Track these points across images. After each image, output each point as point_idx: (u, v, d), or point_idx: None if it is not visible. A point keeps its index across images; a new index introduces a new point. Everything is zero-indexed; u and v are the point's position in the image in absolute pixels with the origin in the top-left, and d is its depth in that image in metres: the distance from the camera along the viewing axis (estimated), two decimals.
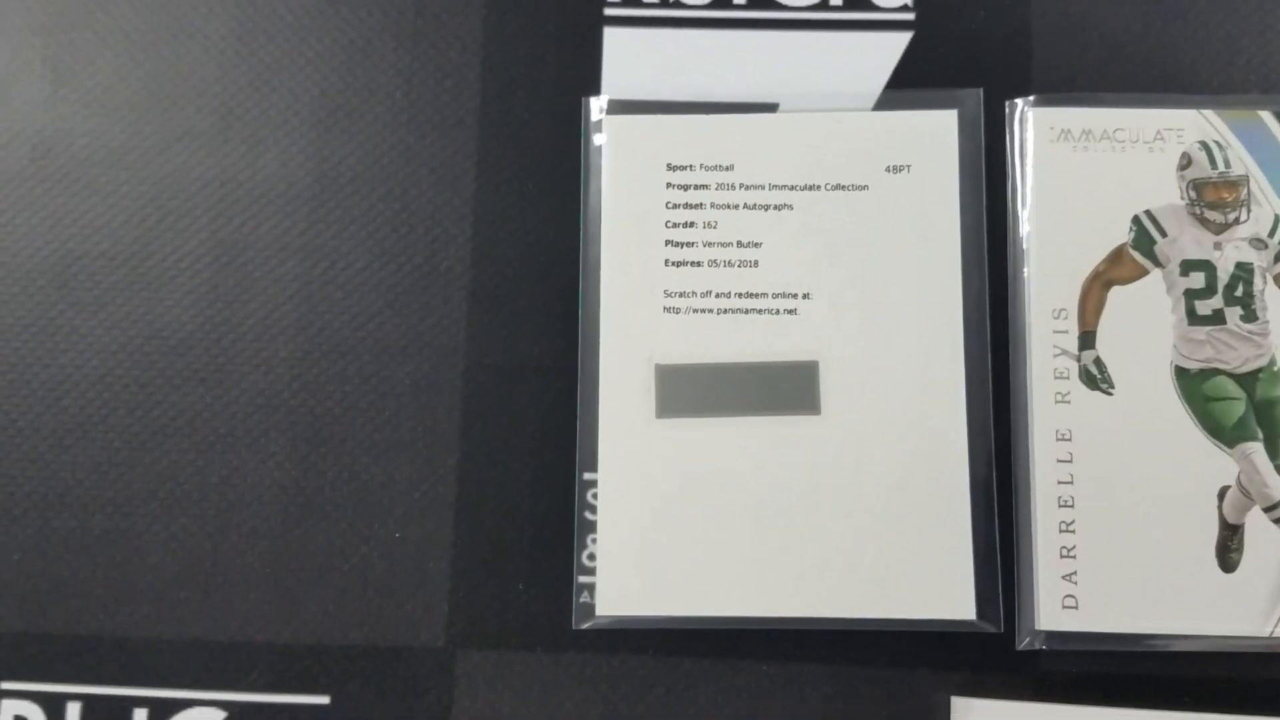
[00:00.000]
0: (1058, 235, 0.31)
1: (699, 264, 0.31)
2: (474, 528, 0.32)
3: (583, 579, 0.31)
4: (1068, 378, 0.30)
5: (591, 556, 0.30)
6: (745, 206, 0.32)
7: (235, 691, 0.31)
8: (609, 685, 0.31)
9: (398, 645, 0.31)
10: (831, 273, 0.31)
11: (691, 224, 0.32)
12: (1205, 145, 0.31)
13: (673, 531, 0.30)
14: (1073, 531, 0.30)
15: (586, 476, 0.31)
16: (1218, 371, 0.30)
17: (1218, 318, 0.30)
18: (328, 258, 0.33)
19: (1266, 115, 0.31)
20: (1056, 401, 0.30)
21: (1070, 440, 0.30)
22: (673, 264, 0.31)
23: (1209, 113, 0.32)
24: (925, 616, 0.30)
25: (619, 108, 0.33)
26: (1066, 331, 0.31)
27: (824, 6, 0.34)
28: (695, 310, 0.31)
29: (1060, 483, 0.30)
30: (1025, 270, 0.31)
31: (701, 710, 0.30)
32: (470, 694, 0.31)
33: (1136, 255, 0.31)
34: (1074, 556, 0.30)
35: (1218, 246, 0.31)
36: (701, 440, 0.30)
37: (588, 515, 0.31)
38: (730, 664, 0.31)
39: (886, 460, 0.30)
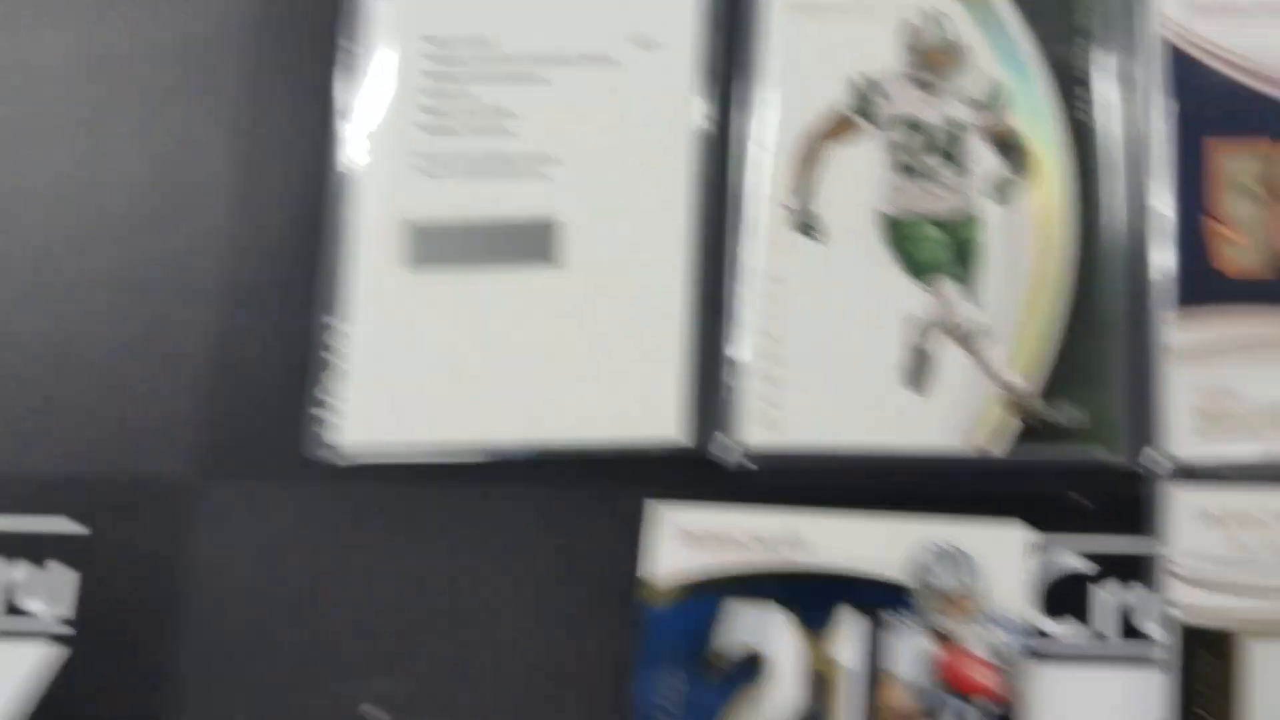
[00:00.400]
0: (785, 97, 0.34)
1: (453, 131, 0.36)
2: (226, 360, 0.35)
3: (322, 413, 0.34)
4: (780, 237, 0.34)
5: (331, 393, 0.34)
6: (501, 79, 0.36)
7: None
8: (343, 514, 0.34)
9: (145, 474, 0.35)
10: (579, 142, 0.35)
11: (445, 94, 0.36)
12: (927, 14, 0.34)
13: (416, 371, 0.34)
14: (780, 363, 0.33)
15: (335, 323, 0.34)
16: (921, 217, 0.33)
17: (928, 171, 0.33)
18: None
19: None
20: (770, 246, 0.33)
21: (783, 282, 0.33)
22: (425, 129, 0.36)
23: None
24: (632, 435, 0.33)
25: None
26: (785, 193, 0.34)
27: None
28: (447, 174, 0.35)
29: (770, 317, 0.33)
30: (752, 128, 0.35)
31: (436, 536, 0.34)
32: (215, 524, 0.34)
33: (854, 116, 0.34)
34: (778, 382, 0.33)
35: (934, 107, 0.34)
36: (447, 291, 0.34)
37: (332, 357, 0.34)
38: (463, 492, 0.34)
39: (613, 306, 0.34)
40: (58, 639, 0.34)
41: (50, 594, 0.34)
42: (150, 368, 0.36)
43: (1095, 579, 0.31)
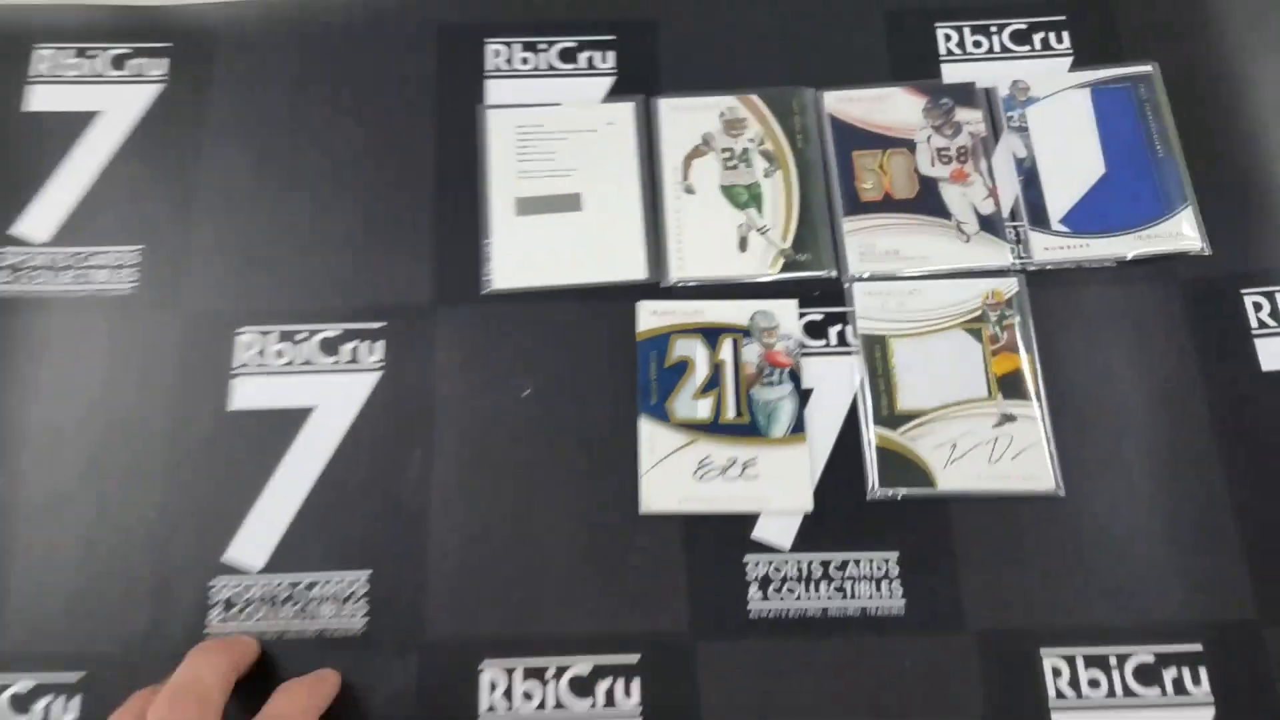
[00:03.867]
0: (674, 141, 0.79)
1: (533, 170, 0.79)
2: (442, 240, 0.77)
3: (487, 273, 0.76)
4: (680, 196, 0.77)
5: (488, 267, 0.75)
6: (554, 138, 0.80)
7: None
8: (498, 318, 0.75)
9: (400, 304, 0.75)
10: (590, 166, 0.79)
11: (529, 150, 0.80)
12: (730, 109, 0.80)
13: (521, 257, 0.76)
14: (683, 247, 0.76)
15: (489, 239, 0.76)
16: (736, 184, 0.77)
17: (737, 166, 0.78)
18: None
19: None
20: (674, 200, 0.77)
21: (681, 214, 0.77)
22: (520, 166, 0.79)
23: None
24: (626, 276, 0.76)
25: None
26: (680, 179, 0.78)
27: None
28: (533, 179, 0.78)
29: (677, 227, 0.77)
30: (664, 154, 0.79)
31: (539, 330, 0.75)
32: (446, 327, 0.75)
33: (703, 146, 0.79)
34: (684, 254, 0.76)
35: (737, 141, 0.79)
36: (535, 224, 0.77)
37: (488, 250, 0.76)
38: (550, 307, 0.76)
39: (607, 226, 0.77)
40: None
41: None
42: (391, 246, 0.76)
43: (825, 323, 0.74)
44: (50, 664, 0.61)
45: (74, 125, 0.75)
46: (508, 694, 0.61)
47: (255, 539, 0.64)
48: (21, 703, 0.60)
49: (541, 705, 0.61)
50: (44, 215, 0.72)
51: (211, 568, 0.64)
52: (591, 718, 0.61)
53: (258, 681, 0.60)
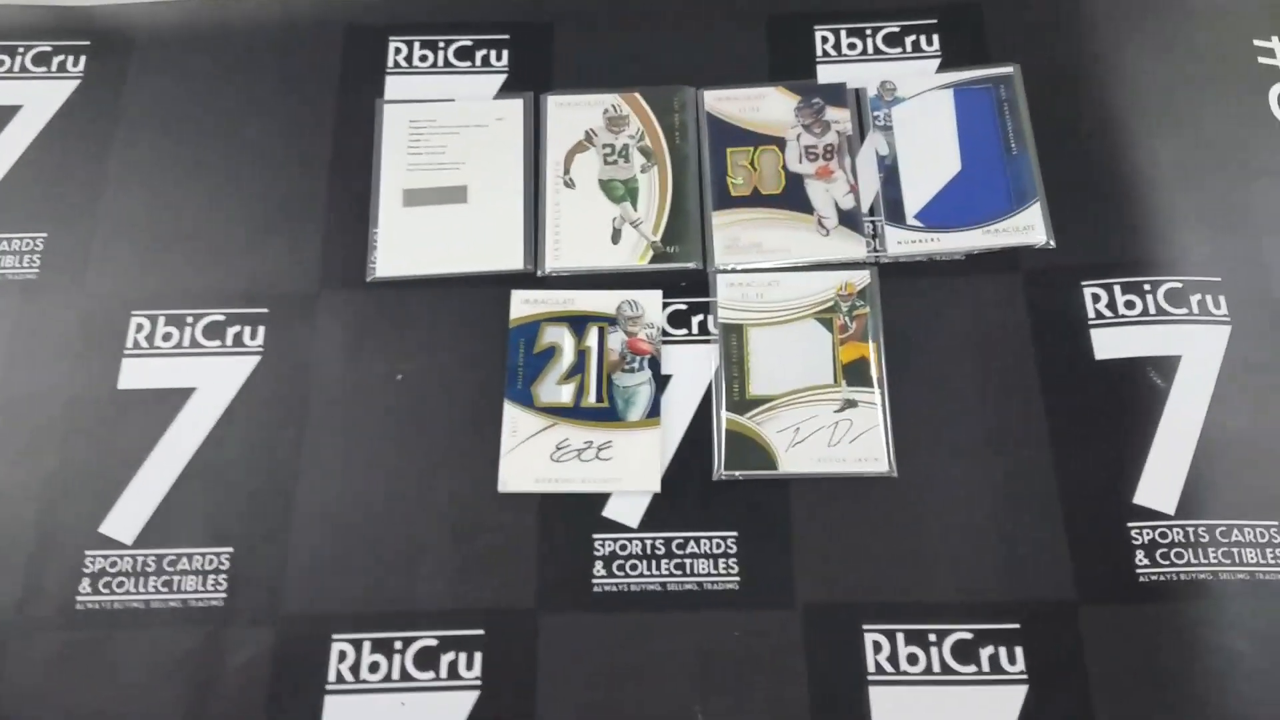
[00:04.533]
0: (557, 138, 0.83)
1: (423, 164, 0.83)
2: (331, 234, 0.81)
3: (372, 261, 0.80)
4: (559, 190, 0.81)
5: (375, 256, 0.80)
6: (447, 133, 0.84)
7: None
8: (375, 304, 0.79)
9: (282, 292, 0.79)
10: (478, 162, 0.83)
11: (420, 144, 0.84)
12: (613, 108, 0.83)
13: (404, 243, 0.80)
14: (560, 236, 0.80)
15: (376, 229, 0.81)
16: (614, 178, 0.81)
17: (616, 161, 0.81)
18: None
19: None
20: (554, 193, 0.81)
21: (560, 206, 0.80)
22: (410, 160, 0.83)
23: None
24: (504, 266, 0.79)
25: None
26: (560, 173, 0.81)
27: None
28: (422, 170, 0.82)
29: (555, 219, 0.80)
30: (548, 151, 0.82)
31: (416, 318, 0.79)
32: (329, 313, 0.79)
33: (585, 141, 0.82)
34: (560, 245, 0.80)
35: (618, 138, 0.82)
36: (420, 215, 0.81)
37: (375, 239, 0.80)
38: (430, 294, 0.80)
39: (489, 215, 0.81)
40: None
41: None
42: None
43: (689, 312, 0.77)
44: None
45: None
46: (354, 668, 0.65)
47: (130, 513, 0.69)
48: None
49: (387, 677, 0.64)
50: None
51: (89, 539, 0.68)
52: (432, 687, 0.64)
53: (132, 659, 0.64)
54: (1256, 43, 0.78)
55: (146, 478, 0.69)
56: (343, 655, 0.64)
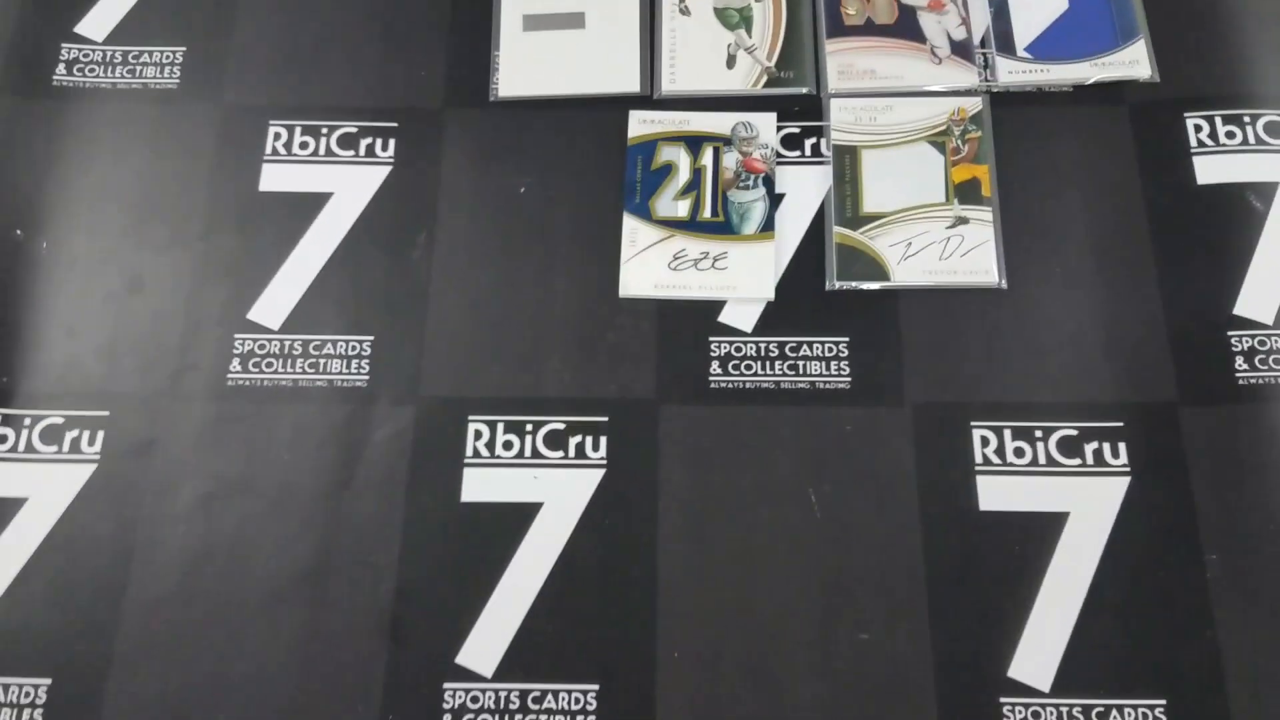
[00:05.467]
0: None
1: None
2: (457, 49, 0.84)
3: (494, 79, 0.82)
4: (675, 17, 0.84)
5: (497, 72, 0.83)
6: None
7: None
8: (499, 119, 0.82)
9: (408, 107, 0.83)
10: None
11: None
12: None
13: (524, 64, 0.83)
14: (677, 58, 0.83)
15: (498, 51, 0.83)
16: (728, 6, 0.83)
17: None
18: None
19: None
20: (670, 19, 0.83)
21: (678, 32, 0.83)
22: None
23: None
24: (621, 88, 0.82)
25: None
26: (676, 2, 0.84)
27: None
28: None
29: (675, 45, 0.83)
30: None
31: (532, 132, 0.82)
32: (451, 131, 0.82)
33: None
34: (676, 63, 0.83)
35: None
36: (541, 40, 0.84)
37: (496, 60, 0.83)
38: (547, 115, 0.83)
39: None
40: None
41: None
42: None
43: (802, 135, 0.80)
44: (80, 405, 0.70)
45: None
46: (490, 444, 0.69)
47: (275, 302, 0.72)
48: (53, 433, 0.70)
49: (520, 454, 0.68)
50: (102, 17, 0.80)
51: (237, 325, 0.72)
52: (562, 465, 0.68)
53: (281, 431, 0.69)
54: None
55: (290, 271, 0.72)
56: (478, 434, 0.68)
